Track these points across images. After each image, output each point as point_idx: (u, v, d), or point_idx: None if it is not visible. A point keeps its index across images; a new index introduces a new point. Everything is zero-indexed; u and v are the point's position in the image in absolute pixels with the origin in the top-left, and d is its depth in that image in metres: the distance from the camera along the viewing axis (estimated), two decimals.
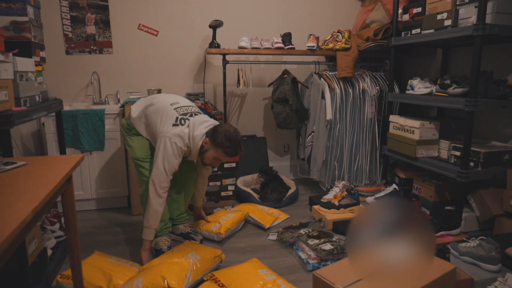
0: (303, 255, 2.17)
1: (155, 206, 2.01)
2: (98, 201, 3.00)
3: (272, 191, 3.07)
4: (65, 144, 2.55)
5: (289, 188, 3.19)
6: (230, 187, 2.98)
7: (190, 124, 2.04)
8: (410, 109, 3.30)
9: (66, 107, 3.09)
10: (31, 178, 1.34)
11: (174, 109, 2.10)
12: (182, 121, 2.04)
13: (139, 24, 3.27)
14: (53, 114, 2.51)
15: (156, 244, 2.20)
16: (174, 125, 2.02)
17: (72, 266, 1.68)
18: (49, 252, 2.13)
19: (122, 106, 2.79)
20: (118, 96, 3.31)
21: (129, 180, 2.86)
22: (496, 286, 1.75)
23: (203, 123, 2.06)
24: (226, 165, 2.91)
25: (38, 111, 2.00)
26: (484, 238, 1.97)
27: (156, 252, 2.17)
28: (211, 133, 2.03)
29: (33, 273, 1.78)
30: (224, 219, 2.49)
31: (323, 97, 3.11)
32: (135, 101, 2.75)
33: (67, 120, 2.74)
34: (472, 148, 2.31)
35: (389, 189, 2.87)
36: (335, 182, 2.92)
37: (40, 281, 1.86)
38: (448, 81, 2.50)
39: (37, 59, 2.18)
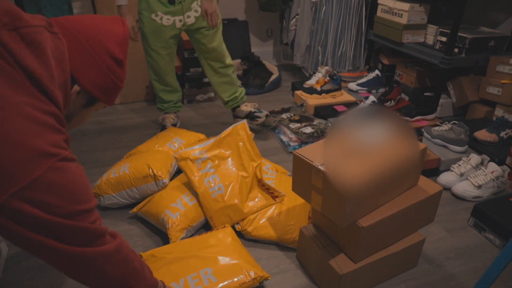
0: (284, 138, 2.27)
1: None
2: None
3: (254, 77, 3.04)
4: None
5: (271, 74, 3.15)
6: None
7: None
8: None
9: None
10: None
11: None
12: None
13: None
14: None
15: (163, 120, 2.37)
16: None
17: None
18: None
19: None
20: None
21: None
22: (459, 165, 1.92)
23: None
24: None
25: None
26: (456, 122, 2.07)
27: (161, 127, 2.35)
28: None
29: None
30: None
31: None
32: None
33: (28, 4, 2.43)
34: (459, 34, 2.26)
35: (372, 75, 2.88)
36: (318, 68, 2.89)
37: None
38: None
39: None
